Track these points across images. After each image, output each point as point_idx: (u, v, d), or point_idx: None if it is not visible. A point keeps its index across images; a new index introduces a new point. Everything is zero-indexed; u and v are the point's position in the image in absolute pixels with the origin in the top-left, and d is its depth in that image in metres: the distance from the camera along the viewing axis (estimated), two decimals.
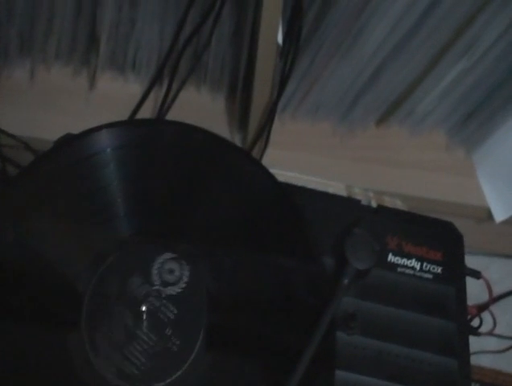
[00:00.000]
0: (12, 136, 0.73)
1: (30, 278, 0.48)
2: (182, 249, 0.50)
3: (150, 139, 0.52)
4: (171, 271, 0.49)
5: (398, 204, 0.59)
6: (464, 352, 0.49)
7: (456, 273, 0.52)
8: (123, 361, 0.45)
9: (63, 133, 0.55)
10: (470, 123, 0.89)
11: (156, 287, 0.48)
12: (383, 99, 0.88)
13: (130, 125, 0.53)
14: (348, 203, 0.55)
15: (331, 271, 0.49)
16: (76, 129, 0.54)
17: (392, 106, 0.89)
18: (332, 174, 0.69)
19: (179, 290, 0.48)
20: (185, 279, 0.49)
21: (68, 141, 0.51)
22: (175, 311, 0.47)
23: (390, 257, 0.51)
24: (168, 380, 0.45)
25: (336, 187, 0.61)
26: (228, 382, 0.46)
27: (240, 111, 0.88)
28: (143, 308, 0.47)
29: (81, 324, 0.46)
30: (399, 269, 0.51)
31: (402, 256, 0.51)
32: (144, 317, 0.47)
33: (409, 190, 0.85)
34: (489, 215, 0.88)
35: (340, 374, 0.46)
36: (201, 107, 0.89)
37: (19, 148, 0.73)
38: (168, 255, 0.49)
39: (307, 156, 0.88)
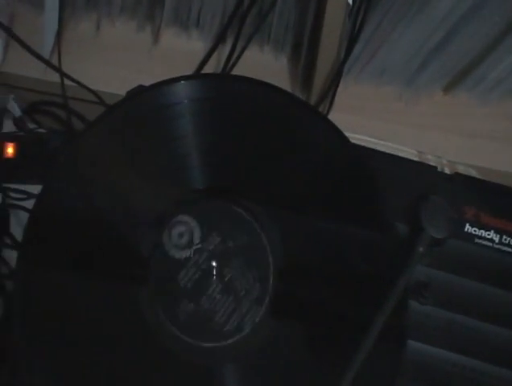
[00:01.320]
0: (84, 86, 0.72)
1: (95, 235, 0.47)
2: (249, 207, 0.48)
3: (226, 94, 0.51)
4: (238, 226, 0.48)
5: (473, 173, 0.57)
6: None
7: None
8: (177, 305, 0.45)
9: (126, 86, 0.53)
10: None
11: (221, 245, 0.47)
12: (452, 65, 0.85)
13: (208, 79, 0.52)
14: (423, 169, 0.52)
15: (405, 238, 0.47)
16: (140, 83, 0.53)
17: (461, 73, 0.86)
18: (395, 140, 0.66)
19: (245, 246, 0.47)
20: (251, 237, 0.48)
21: (142, 91, 0.50)
22: (243, 269, 0.47)
23: (467, 227, 0.49)
24: (234, 339, 0.44)
25: (408, 153, 0.58)
26: (293, 348, 0.45)
27: (303, 72, 0.86)
28: (213, 263, 0.47)
29: (151, 287, 0.46)
30: (476, 240, 0.49)
31: (480, 227, 0.49)
32: (214, 276, 0.46)
33: (480, 161, 0.82)
34: None
35: (411, 344, 0.45)
36: (264, 67, 0.87)
37: (86, 101, 0.72)
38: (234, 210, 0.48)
39: (371, 121, 0.85)
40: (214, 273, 0.46)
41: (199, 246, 0.47)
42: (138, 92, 0.51)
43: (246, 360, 0.45)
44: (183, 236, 0.47)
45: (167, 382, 0.44)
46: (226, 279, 0.46)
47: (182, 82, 0.50)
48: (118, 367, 0.44)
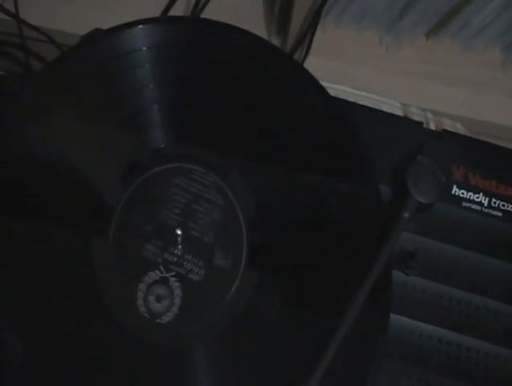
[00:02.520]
0: (36, 28, 0.67)
1: (54, 181, 0.45)
2: (217, 163, 0.45)
3: (190, 39, 0.47)
4: (205, 186, 0.45)
5: (460, 129, 0.53)
6: None
7: None
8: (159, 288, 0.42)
9: (90, 27, 0.50)
10: None
11: (190, 204, 0.44)
12: (435, 9, 0.81)
13: (169, 23, 0.47)
14: (408, 126, 0.48)
15: (389, 202, 0.44)
16: (104, 25, 0.49)
17: (445, 17, 0.82)
18: (377, 88, 0.63)
19: (220, 205, 0.45)
20: (220, 196, 0.45)
21: (98, 36, 0.46)
22: (215, 228, 0.44)
23: (455, 190, 0.46)
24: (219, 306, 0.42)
25: (391, 105, 0.55)
26: (275, 304, 0.42)
27: (279, 13, 0.81)
28: (178, 231, 0.43)
29: (109, 240, 0.43)
30: (464, 204, 0.46)
31: (469, 189, 0.46)
32: (179, 240, 0.43)
33: (465, 111, 0.78)
34: None
35: (395, 318, 0.42)
36: (237, 8, 0.82)
37: (44, 41, 0.67)
38: (200, 169, 0.45)
39: (351, 67, 0.81)
40: (179, 241, 0.43)
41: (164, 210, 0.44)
42: (94, 37, 0.46)
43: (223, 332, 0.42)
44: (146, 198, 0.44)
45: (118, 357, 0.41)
46: (194, 240, 0.44)
47: (140, 26, 0.46)
48: (68, 322, 0.41)
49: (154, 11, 0.76)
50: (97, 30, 0.48)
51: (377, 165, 0.45)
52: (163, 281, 0.42)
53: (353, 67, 0.82)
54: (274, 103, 0.47)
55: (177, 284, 0.43)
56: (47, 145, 0.45)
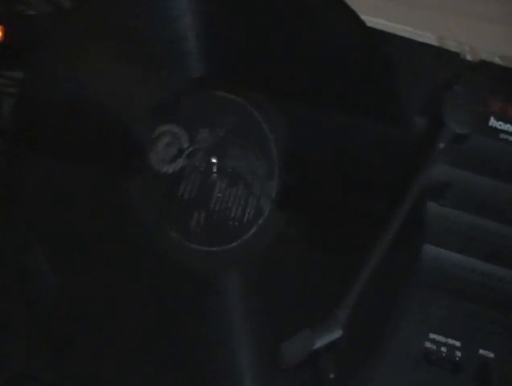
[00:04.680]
0: None
1: (85, 119, 0.44)
2: (253, 95, 0.45)
3: None
4: (241, 118, 0.45)
5: (498, 61, 0.52)
6: None
7: None
8: (197, 219, 0.42)
9: None
10: None
11: (222, 134, 0.44)
12: None
13: None
14: (445, 56, 0.47)
15: (423, 133, 0.43)
16: None
17: None
18: (414, 25, 0.61)
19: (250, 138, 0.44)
20: (255, 129, 0.45)
21: None
22: (247, 160, 0.44)
23: (492, 122, 0.45)
24: (244, 238, 0.42)
25: (428, 38, 0.53)
26: (302, 245, 0.42)
27: None
28: (213, 160, 0.44)
29: (146, 178, 0.43)
30: (502, 136, 0.45)
31: (506, 120, 0.45)
32: (215, 169, 0.44)
33: (505, 49, 0.76)
34: None
35: (428, 248, 0.42)
36: None
37: None
38: (236, 100, 0.45)
39: (384, 2, 0.79)
40: (215, 169, 0.43)
41: (190, 149, 0.44)
42: None
43: (255, 261, 0.42)
44: (170, 146, 0.44)
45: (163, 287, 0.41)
46: (229, 170, 0.44)
47: None
48: (109, 262, 0.42)
49: None
50: None
51: (412, 95, 0.44)
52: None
53: (388, 3, 0.80)
54: (311, 37, 0.46)
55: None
56: (79, 83, 0.45)
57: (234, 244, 0.42)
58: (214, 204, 0.43)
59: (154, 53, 0.45)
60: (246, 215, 0.43)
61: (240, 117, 0.45)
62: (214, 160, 0.44)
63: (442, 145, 0.41)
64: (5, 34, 0.63)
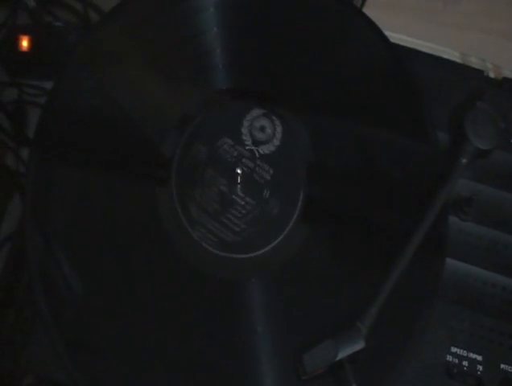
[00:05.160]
0: None
1: (112, 131, 0.45)
2: (278, 109, 0.45)
3: None
4: (262, 128, 0.45)
5: None
6: None
7: None
8: (221, 229, 0.43)
9: None
10: None
11: (248, 147, 0.45)
12: None
13: None
14: (468, 73, 0.48)
15: (447, 148, 0.43)
16: None
17: None
18: (437, 42, 0.62)
19: (273, 149, 0.45)
20: (278, 136, 0.45)
21: None
22: (272, 171, 0.44)
23: None
24: (268, 247, 0.43)
25: (451, 55, 0.54)
26: (324, 258, 0.42)
27: None
28: (238, 170, 0.44)
29: (172, 190, 0.44)
30: None
31: None
32: (239, 180, 0.44)
33: None
34: None
35: (450, 262, 0.42)
36: None
37: None
38: (258, 111, 0.46)
39: (407, 19, 0.79)
40: (239, 179, 0.44)
41: (214, 160, 0.45)
42: None
43: (276, 271, 0.43)
44: (195, 158, 0.45)
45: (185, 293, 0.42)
46: (255, 181, 0.45)
47: None
48: (135, 270, 0.42)
49: None
50: None
51: (436, 111, 0.45)
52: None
53: (410, 20, 0.80)
54: (336, 51, 0.47)
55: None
56: (106, 95, 0.45)
57: (259, 252, 0.43)
58: (240, 213, 0.43)
59: (181, 66, 0.46)
60: (271, 224, 0.43)
61: (264, 129, 0.45)
62: (239, 170, 0.44)
63: (465, 161, 0.42)
64: (32, 44, 0.64)
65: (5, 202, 0.59)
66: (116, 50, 0.47)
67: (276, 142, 0.45)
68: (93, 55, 0.46)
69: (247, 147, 0.45)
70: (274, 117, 0.46)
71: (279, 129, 0.45)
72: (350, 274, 0.42)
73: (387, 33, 0.50)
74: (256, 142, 0.45)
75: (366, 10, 0.78)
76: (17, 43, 0.64)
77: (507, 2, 0.82)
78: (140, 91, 0.46)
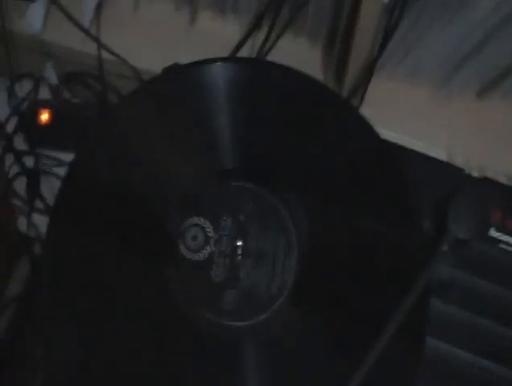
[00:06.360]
0: (121, 58, 0.72)
1: (125, 206, 0.48)
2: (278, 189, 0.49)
3: (261, 79, 0.51)
4: (261, 218, 0.49)
5: (502, 179, 0.57)
6: None
7: None
8: (220, 300, 0.46)
9: (161, 63, 0.55)
10: None
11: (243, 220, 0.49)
12: (488, 69, 0.84)
13: (244, 62, 0.52)
14: (451, 170, 0.52)
15: (429, 236, 0.47)
16: (175, 61, 0.54)
17: (497, 77, 0.85)
18: (427, 141, 0.66)
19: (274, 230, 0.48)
20: (275, 224, 0.49)
21: (179, 69, 0.51)
22: (267, 252, 0.48)
23: (492, 232, 0.49)
24: (254, 320, 0.45)
25: (438, 154, 0.59)
26: (310, 338, 0.45)
27: (337, 64, 0.86)
28: (238, 243, 0.48)
29: (178, 266, 0.47)
30: (501, 246, 0.49)
31: (505, 232, 0.49)
32: (240, 259, 0.47)
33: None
34: None
35: (431, 341, 0.45)
36: (298, 56, 0.87)
37: (121, 75, 0.72)
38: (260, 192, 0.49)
39: (401, 118, 0.85)
40: (239, 252, 0.47)
41: (216, 237, 0.48)
42: (175, 69, 0.51)
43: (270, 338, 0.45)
44: (197, 237, 0.48)
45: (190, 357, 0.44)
46: (253, 251, 0.48)
47: (218, 63, 0.51)
48: (143, 340, 0.45)
49: (221, 54, 0.81)
50: (177, 64, 0.53)
51: (421, 202, 0.49)
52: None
53: (405, 120, 0.85)
54: (330, 143, 0.51)
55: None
56: (120, 170, 0.49)
57: (260, 317, 0.46)
58: (242, 283, 0.47)
59: (191, 146, 0.50)
60: (271, 289, 0.46)
61: (262, 207, 0.49)
62: (239, 243, 0.48)
63: (445, 248, 0.46)
64: (52, 118, 0.69)
65: (14, 262, 0.62)
66: (130, 129, 0.51)
67: (277, 227, 0.49)
68: (110, 135, 0.50)
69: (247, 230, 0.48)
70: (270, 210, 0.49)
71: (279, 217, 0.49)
72: (335, 354, 0.45)
73: (380, 130, 0.55)
74: (255, 227, 0.49)
75: (364, 108, 0.83)
76: (37, 116, 0.69)
77: (498, 108, 0.87)
78: (149, 168, 0.50)
